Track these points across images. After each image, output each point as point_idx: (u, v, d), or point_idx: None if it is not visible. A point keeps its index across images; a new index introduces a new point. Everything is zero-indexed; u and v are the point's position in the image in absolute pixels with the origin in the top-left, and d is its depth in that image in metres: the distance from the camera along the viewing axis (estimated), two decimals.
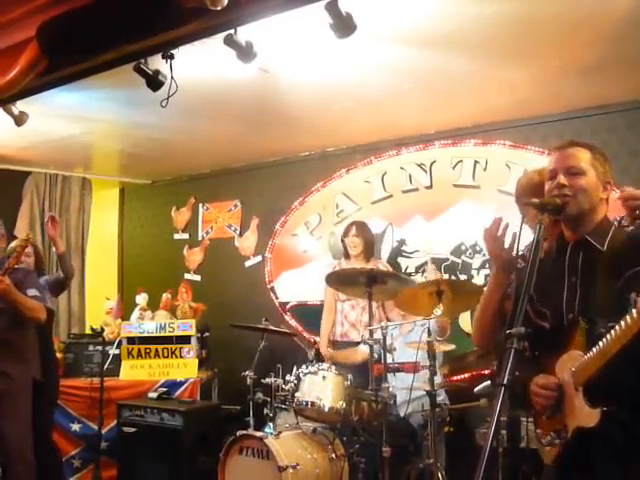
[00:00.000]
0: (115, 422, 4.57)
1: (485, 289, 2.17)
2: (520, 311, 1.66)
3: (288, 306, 5.54)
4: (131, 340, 5.13)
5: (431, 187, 4.93)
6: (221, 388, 5.26)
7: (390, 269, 4.68)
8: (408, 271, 4.95)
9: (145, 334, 5.13)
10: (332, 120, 4.58)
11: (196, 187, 6.33)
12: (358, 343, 4.42)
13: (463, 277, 4.73)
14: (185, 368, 5.01)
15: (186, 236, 6.35)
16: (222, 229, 6.11)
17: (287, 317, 5.50)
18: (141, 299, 5.64)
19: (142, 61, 3.04)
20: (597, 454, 1.74)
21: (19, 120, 3.69)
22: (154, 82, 3.12)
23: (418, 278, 4.78)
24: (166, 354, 5.06)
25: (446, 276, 4.66)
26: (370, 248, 4.65)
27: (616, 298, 1.75)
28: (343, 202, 5.34)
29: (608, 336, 1.63)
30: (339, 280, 4.12)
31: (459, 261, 4.76)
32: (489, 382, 3.61)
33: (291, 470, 3.41)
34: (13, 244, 3.84)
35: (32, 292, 3.60)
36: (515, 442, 3.38)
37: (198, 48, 3.06)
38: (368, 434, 3.60)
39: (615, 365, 1.62)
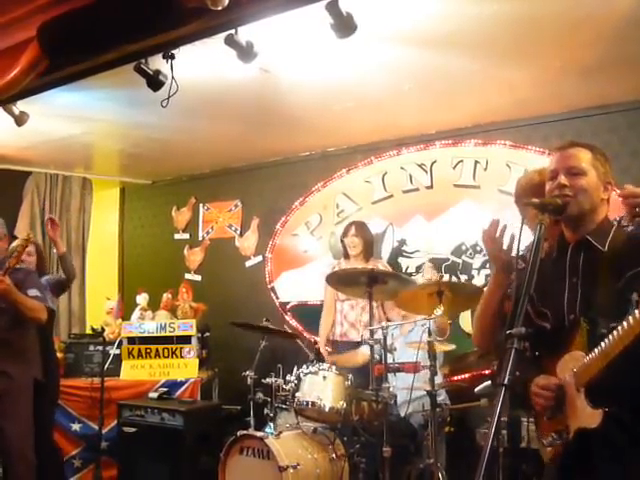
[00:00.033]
0: (115, 422, 4.57)
1: (485, 290, 2.17)
2: (521, 311, 1.66)
3: (288, 306, 5.54)
4: (131, 340, 5.13)
5: (431, 187, 4.93)
6: (221, 388, 5.26)
7: (389, 269, 4.68)
8: (409, 271, 4.95)
9: (145, 334, 5.13)
10: (333, 120, 4.58)
11: (196, 187, 6.33)
12: (358, 343, 4.42)
13: (464, 277, 4.74)
14: (185, 368, 5.01)
15: (186, 236, 6.35)
16: (222, 229, 6.11)
17: (287, 317, 5.50)
18: (141, 299, 5.64)
19: (143, 61, 3.05)
20: (598, 454, 1.74)
21: (20, 120, 3.70)
22: (155, 82, 3.12)
23: (418, 278, 4.77)
24: (166, 354, 5.06)
25: (446, 276, 4.66)
26: (369, 248, 4.65)
27: (617, 298, 1.75)
28: (343, 202, 5.34)
29: (610, 337, 1.63)
30: (340, 280, 4.11)
31: (460, 261, 4.76)
32: (489, 382, 3.61)
33: (291, 470, 3.40)
34: (14, 244, 3.85)
35: (33, 292, 3.60)
36: (516, 442, 3.38)
37: (199, 48, 3.07)
38: (369, 434, 3.60)
39: (617, 366, 1.62)
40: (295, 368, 3.78)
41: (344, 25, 2.67)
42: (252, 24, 2.72)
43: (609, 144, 3.97)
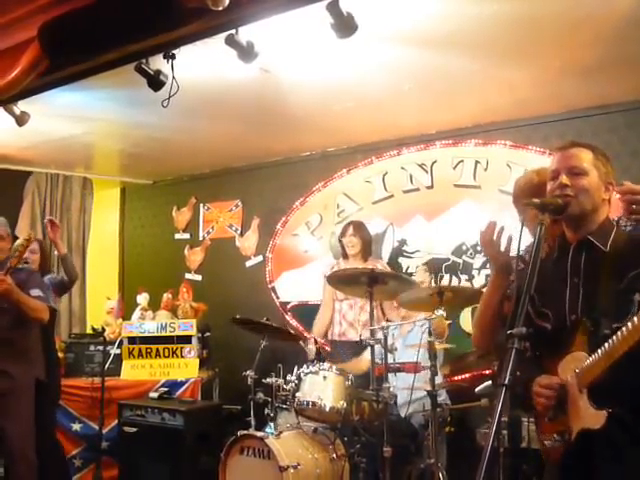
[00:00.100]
0: (116, 422, 4.57)
1: (485, 290, 2.17)
2: (521, 312, 1.66)
3: (289, 306, 5.54)
4: (132, 340, 5.13)
5: (432, 187, 4.93)
6: (222, 388, 5.26)
7: (388, 269, 4.68)
8: (409, 271, 4.95)
9: (146, 334, 5.13)
10: (333, 120, 4.58)
11: (197, 187, 6.33)
12: (357, 343, 4.41)
13: (464, 277, 4.74)
14: (186, 368, 5.02)
15: (187, 236, 6.35)
16: (223, 229, 6.11)
17: (288, 317, 5.50)
18: (142, 299, 5.64)
19: (143, 61, 3.05)
20: (600, 454, 1.74)
21: (20, 120, 3.70)
22: (155, 82, 3.12)
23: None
24: (167, 354, 5.06)
25: (446, 278, 4.67)
26: (368, 248, 4.65)
27: (619, 299, 1.75)
28: (344, 202, 5.34)
29: (614, 337, 1.63)
30: (340, 280, 4.12)
31: (460, 261, 4.77)
32: (490, 382, 3.61)
33: (292, 470, 3.40)
34: (15, 244, 3.84)
35: (35, 292, 3.61)
36: (516, 442, 3.38)
37: (199, 48, 3.07)
38: (369, 434, 3.60)
39: (621, 367, 1.62)
40: (295, 368, 3.79)
41: (345, 25, 2.67)
42: (253, 24, 2.72)
43: (609, 144, 3.97)
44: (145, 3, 2.55)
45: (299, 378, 3.68)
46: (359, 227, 4.66)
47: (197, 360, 5.05)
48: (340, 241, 4.72)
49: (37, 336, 3.79)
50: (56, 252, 4.60)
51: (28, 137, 4.68)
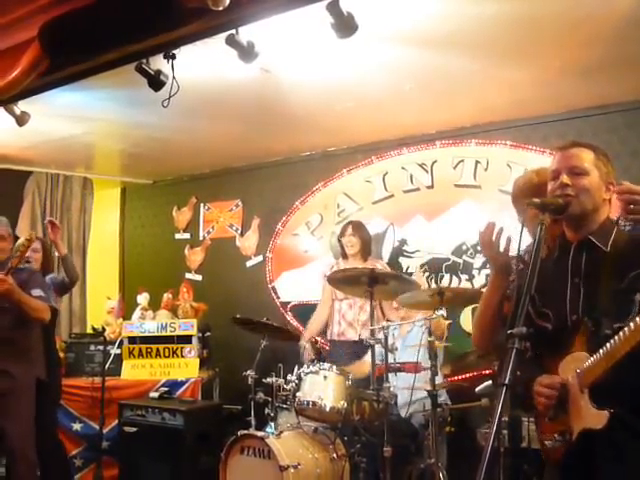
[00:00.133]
0: (116, 422, 4.58)
1: (484, 291, 2.17)
2: (522, 312, 1.66)
3: (289, 306, 5.54)
4: (132, 340, 5.13)
5: (432, 187, 4.94)
6: (222, 388, 5.26)
7: (388, 269, 4.68)
8: (409, 271, 4.95)
9: (146, 334, 5.13)
10: (333, 120, 4.58)
11: (197, 187, 6.33)
12: (356, 342, 4.41)
13: (465, 277, 4.74)
14: (186, 368, 5.02)
15: (187, 236, 6.35)
16: (223, 229, 6.11)
17: (288, 317, 5.50)
18: (142, 299, 5.64)
19: (144, 61, 3.05)
20: (601, 454, 1.74)
21: (21, 120, 3.70)
22: (156, 82, 3.12)
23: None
24: (167, 354, 5.07)
25: (446, 279, 4.68)
26: (367, 247, 4.65)
27: (620, 299, 1.75)
28: (344, 202, 5.34)
29: (616, 338, 1.63)
30: (340, 280, 4.12)
31: (460, 261, 4.77)
32: (490, 382, 3.61)
33: (292, 470, 3.41)
34: (16, 244, 3.85)
35: (37, 292, 3.61)
36: (516, 442, 3.39)
37: (200, 48, 3.07)
38: (369, 434, 3.59)
39: (623, 367, 1.62)
40: (296, 368, 3.79)
41: (345, 25, 2.68)
42: (253, 24, 2.72)
43: (609, 144, 3.96)
44: (145, 3, 2.55)
45: (299, 378, 3.68)
46: (358, 227, 4.66)
47: (197, 360, 5.05)
48: (339, 241, 4.72)
49: (38, 336, 3.79)
50: (56, 253, 4.60)
51: (28, 137, 4.68)
